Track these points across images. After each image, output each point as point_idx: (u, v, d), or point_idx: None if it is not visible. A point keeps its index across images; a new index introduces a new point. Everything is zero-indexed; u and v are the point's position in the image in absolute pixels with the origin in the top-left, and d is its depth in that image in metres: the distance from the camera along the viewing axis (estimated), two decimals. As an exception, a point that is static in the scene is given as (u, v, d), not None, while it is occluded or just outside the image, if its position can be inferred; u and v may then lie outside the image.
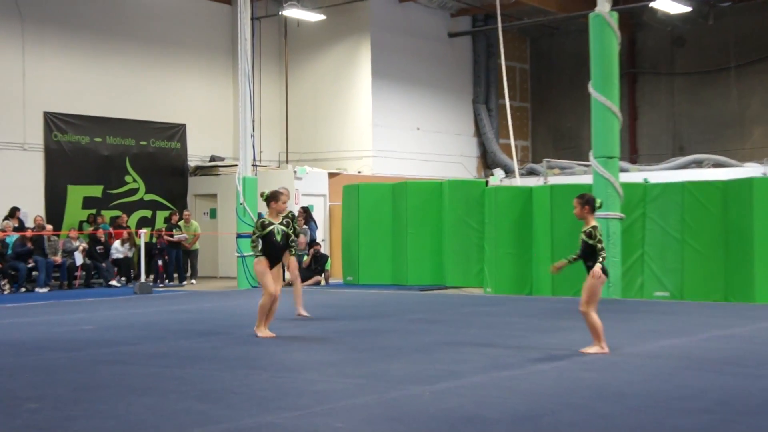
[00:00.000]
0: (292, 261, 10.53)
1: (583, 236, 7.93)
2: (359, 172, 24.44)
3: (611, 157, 15.07)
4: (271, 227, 9.45)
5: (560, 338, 9.12)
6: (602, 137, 15.13)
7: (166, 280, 20.04)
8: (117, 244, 19.63)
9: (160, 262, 19.93)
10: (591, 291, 7.84)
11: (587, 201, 8.03)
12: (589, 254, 7.89)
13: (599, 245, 7.85)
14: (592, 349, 7.96)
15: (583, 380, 6.67)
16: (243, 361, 7.84)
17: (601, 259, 7.81)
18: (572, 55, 29.35)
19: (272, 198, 9.54)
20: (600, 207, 8.09)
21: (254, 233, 9.55)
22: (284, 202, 9.53)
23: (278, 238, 9.43)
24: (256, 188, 18.76)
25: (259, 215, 9.61)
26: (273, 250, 9.44)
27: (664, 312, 12.29)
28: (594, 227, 7.91)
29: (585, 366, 7.32)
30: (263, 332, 9.44)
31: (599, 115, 15.16)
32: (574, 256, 8.09)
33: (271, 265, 9.44)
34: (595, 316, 7.91)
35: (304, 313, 11.04)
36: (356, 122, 25.30)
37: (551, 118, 30.77)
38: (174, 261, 19.94)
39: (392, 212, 19.05)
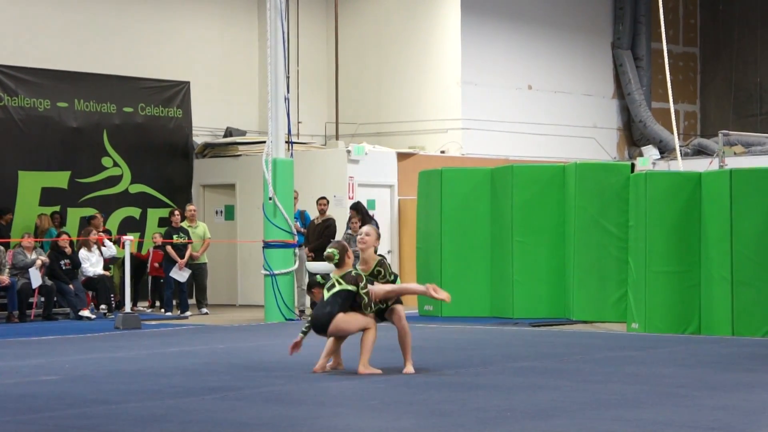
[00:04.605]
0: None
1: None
2: (442, 152, 24.40)
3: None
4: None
5: (748, 401, 8.95)
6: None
7: (162, 310, 20.27)
8: (83, 252, 19.70)
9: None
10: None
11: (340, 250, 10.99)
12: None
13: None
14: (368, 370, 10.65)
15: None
16: (272, 427, 7.87)
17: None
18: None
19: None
20: (337, 262, 10.85)
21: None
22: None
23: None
24: (292, 175, 18.81)
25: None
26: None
27: None
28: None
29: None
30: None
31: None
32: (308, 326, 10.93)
33: None
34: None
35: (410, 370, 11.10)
36: (438, 79, 25.25)
37: (732, 70, 30.31)
38: (174, 283, 20.10)
39: (491, 210, 18.96)
